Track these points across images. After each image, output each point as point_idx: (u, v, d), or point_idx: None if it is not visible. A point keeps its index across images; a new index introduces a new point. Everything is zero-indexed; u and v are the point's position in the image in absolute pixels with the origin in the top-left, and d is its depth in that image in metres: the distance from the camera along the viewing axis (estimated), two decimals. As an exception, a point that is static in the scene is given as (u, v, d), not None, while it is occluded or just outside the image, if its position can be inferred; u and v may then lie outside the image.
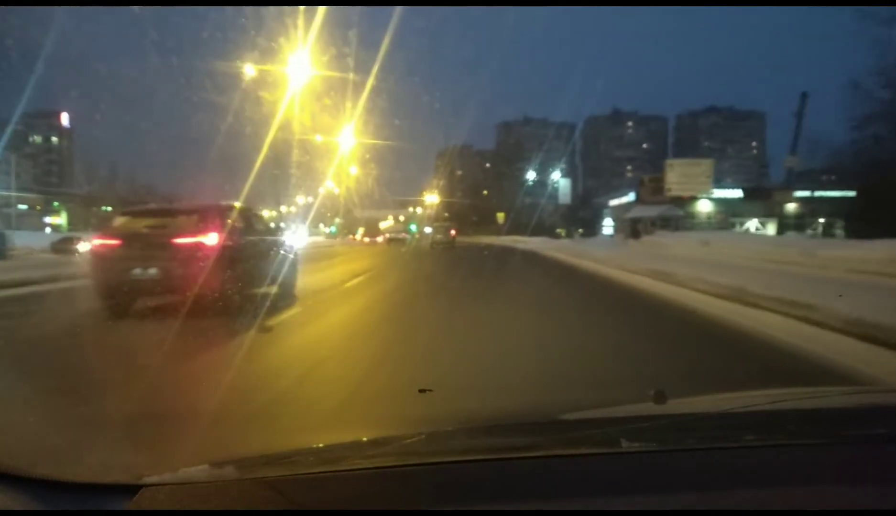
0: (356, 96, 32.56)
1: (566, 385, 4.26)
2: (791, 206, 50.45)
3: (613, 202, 63.51)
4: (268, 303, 8.43)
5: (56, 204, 65.86)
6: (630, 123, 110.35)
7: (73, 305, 9.19)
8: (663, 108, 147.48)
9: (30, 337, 6.58)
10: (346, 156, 51.14)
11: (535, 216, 63.03)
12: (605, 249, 25.17)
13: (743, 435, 1.49)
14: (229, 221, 8.85)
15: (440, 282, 15.00)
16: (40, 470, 1.19)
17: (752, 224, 51.93)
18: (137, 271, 7.74)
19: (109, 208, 65.73)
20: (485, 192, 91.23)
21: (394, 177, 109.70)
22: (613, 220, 62.42)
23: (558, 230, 66.44)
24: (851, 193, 43.83)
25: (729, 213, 52.13)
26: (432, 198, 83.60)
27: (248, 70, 27.02)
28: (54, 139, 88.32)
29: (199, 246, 7.95)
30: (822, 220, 50.77)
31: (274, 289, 9.32)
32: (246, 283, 8.60)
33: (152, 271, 7.74)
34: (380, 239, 68.75)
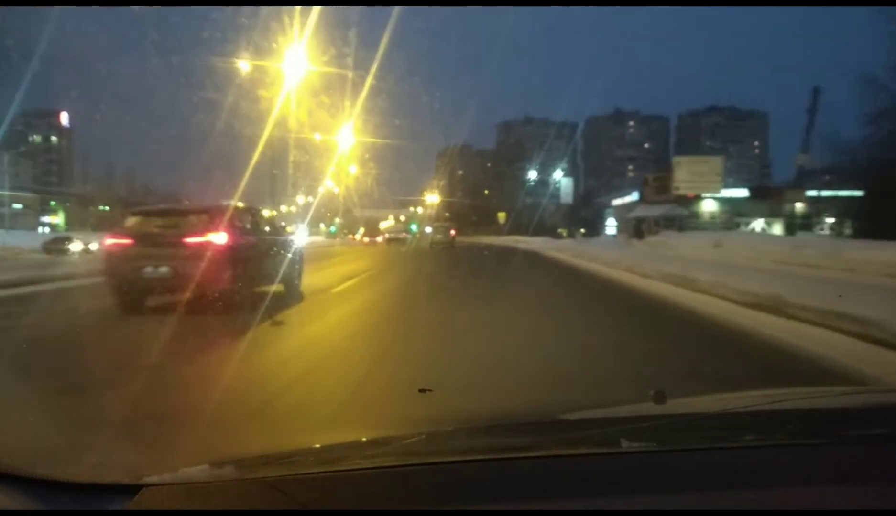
0: (357, 96, 32.48)
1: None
2: (798, 206, 49.72)
3: (616, 201, 62.80)
4: (275, 301, 8.68)
5: (53, 203, 65.25)
6: (631, 123, 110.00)
7: (42, 310, 8.93)
8: (665, 108, 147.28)
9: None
10: (347, 155, 50.84)
11: (536, 216, 62.53)
12: (610, 250, 24.21)
13: (743, 435, 1.48)
14: (237, 221, 9.14)
15: (430, 289, 13.55)
16: (40, 470, 1.18)
17: (758, 224, 51.08)
18: (149, 269, 7.97)
19: (107, 208, 65.47)
20: (485, 192, 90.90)
21: (395, 177, 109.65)
22: (616, 220, 61.67)
23: (560, 230, 65.90)
24: (859, 193, 43.25)
25: (734, 213, 51.30)
26: (433, 198, 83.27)
27: (247, 68, 26.53)
28: (54, 138, 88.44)
29: (209, 245, 8.13)
30: (830, 220, 49.99)
31: (280, 287, 9.64)
32: (253, 281, 8.81)
33: (163, 269, 7.96)
34: (379, 239, 68.38)
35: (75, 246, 33.30)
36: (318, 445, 1.52)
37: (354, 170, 61.60)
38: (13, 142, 71.22)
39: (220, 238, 8.27)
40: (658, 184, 51.49)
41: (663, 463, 1.22)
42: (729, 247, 20.82)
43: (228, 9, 26.48)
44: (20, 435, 2.13)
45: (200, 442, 2.03)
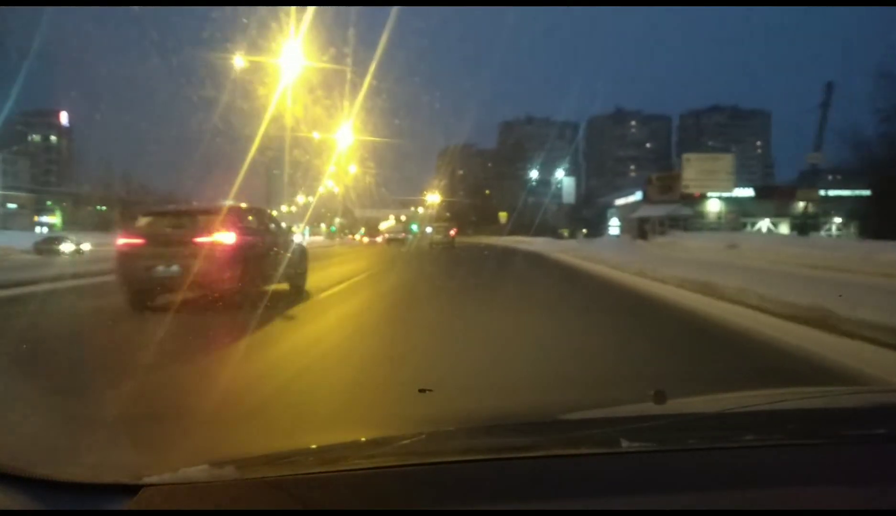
0: (357, 95, 32.11)
1: None
2: (802, 205, 48.86)
3: (619, 201, 61.77)
4: (281, 299, 9.13)
5: (49, 203, 64.71)
6: (633, 122, 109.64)
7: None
8: (666, 107, 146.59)
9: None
10: (347, 155, 50.42)
11: (538, 216, 61.97)
12: (616, 251, 23.10)
13: (743, 435, 1.48)
14: (245, 221, 9.54)
15: (426, 289, 13.25)
16: (40, 470, 1.18)
17: (764, 224, 50.19)
18: (160, 268, 8.20)
19: (104, 208, 65.08)
20: (486, 192, 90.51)
21: (395, 177, 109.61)
22: (620, 220, 60.81)
23: (561, 230, 65.28)
24: (866, 192, 42.54)
25: (739, 213, 50.29)
26: (434, 198, 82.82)
27: (248, 68, 26.11)
28: (53, 138, 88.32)
29: (218, 245, 8.38)
30: (837, 220, 49.28)
31: (286, 286, 10.09)
32: (260, 280, 9.08)
33: (174, 268, 8.19)
34: (379, 239, 68.02)
35: (66, 246, 32.88)
36: (318, 445, 1.51)
37: (354, 169, 61.08)
38: (7, 142, 70.80)
39: (228, 238, 8.53)
40: (662, 184, 50.43)
41: (663, 463, 1.21)
42: (745, 249, 19.73)
43: (228, 8, 26.11)
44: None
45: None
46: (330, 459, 1.31)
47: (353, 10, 27.19)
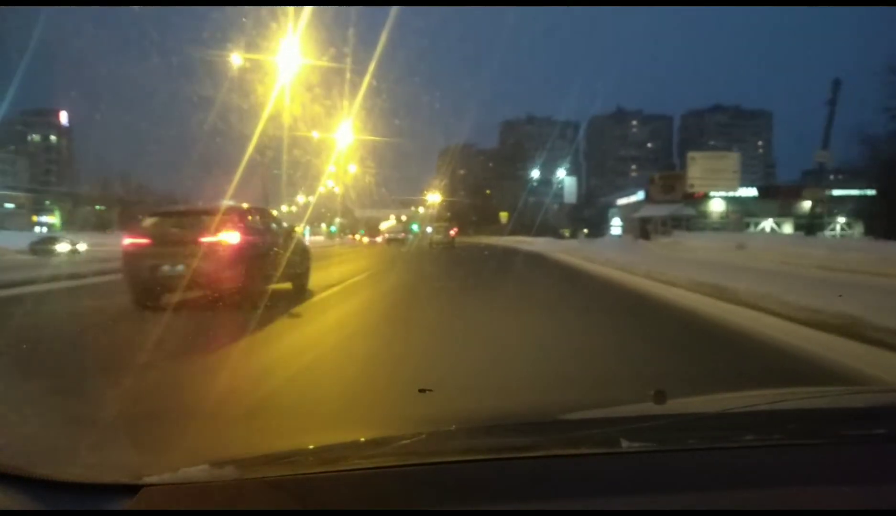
0: (358, 95, 31.81)
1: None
2: (807, 205, 48.23)
3: (621, 201, 61.30)
4: (286, 298, 9.39)
5: (47, 203, 64.36)
6: (634, 122, 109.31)
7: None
8: (668, 107, 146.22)
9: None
10: (348, 154, 50.10)
11: (539, 216, 61.60)
12: (620, 251, 22.38)
13: (743, 435, 1.47)
14: (249, 221, 9.64)
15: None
16: (40, 470, 1.18)
17: (768, 224, 49.68)
18: (166, 268, 8.31)
19: (103, 208, 64.82)
20: (487, 192, 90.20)
21: (397, 177, 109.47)
22: (622, 220, 60.31)
23: (562, 230, 64.87)
24: (870, 191, 42.09)
25: (743, 213, 49.78)
26: (434, 198, 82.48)
27: (247, 67, 25.85)
28: (53, 138, 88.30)
29: (223, 244, 8.52)
30: (842, 219, 48.78)
31: (289, 285, 10.27)
32: (264, 279, 9.19)
33: (179, 268, 8.27)
34: (379, 239, 67.71)
35: (62, 246, 32.55)
36: (318, 445, 1.51)
37: (354, 169, 60.74)
38: (3, 141, 70.50)
39: (232, 237, 8.67)
40: (664, 183, 50.00)
41: (663, 463, 1.20)
42: (754, 249, 19.02)
43: (229, 9, 25.92)
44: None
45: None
46: (330, 459, 1.30)
47: (353, 10, 27.06)
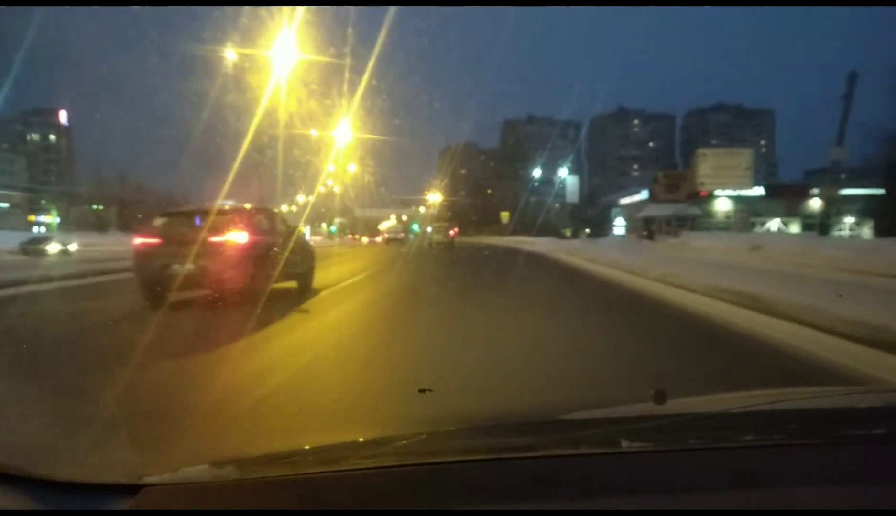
0: (359, 95, 31.55)
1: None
2: (815, 204, 47.36)
3: (624, 200, 60.24)
4: (291, 296, 9.70)
5: (43, 202, 63.77)
6: (636, 121, 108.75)
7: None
8: (670, 106, 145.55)
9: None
10: (349, 154, 49.64)
11: (540, 215, 60.96)
12: (626, 252, 21.29)
13: (743, 435, 1.47)
14: (256, 222, 9.89)
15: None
16: (40, 470, 1.18)
17: (774, 224, 48.70)
18: (175, 267, 8.48)
19: (101, 207, 64.33)
20: (488, 191, 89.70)
21: (397, 177, 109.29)
22: (625, 219, 59.44)
23: (563, 230, 64.24)
24: (879, 191, 41.31)
25: (749, 212, 48.72)
26: (435, 198, 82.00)
27: (246, 66, 25.40)
28: (52, 137, 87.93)
29: (231, 244, 8.77)
30: (850, 219, 47.88)
31: (294, 284, 10.53)
32: (271, 278, 9.36)
33: (189, 267, 8.46)
34: (378, 239, 67.35)
35: (53, 247, 31.94)
36: (318, 445, 1.51)
37: (354, 168, 60.20)
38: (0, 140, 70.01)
39: (240, 237, 8.91)
40: (669, 182, 49.03)
41: (663, 463, 1.20)
42: (770, 251, 17.93)
43: (229, 8, 25.55)
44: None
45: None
46: (330, 459, 1.30)
47: (354, 10, 26.66)
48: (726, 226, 46.72)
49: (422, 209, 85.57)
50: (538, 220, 58.85)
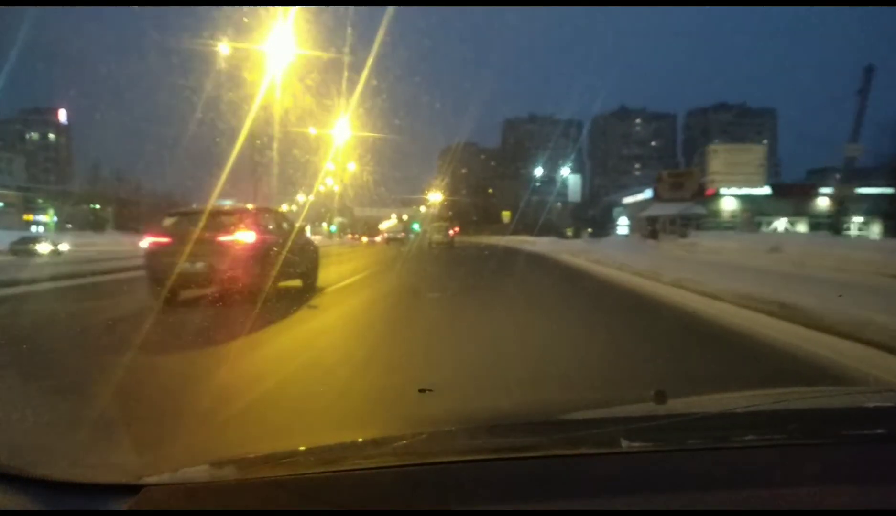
0: (360, 94, 31.41)
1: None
2: (823, 203, 46.57)
3: (628, 199, 59.29)
4: (296, 294, 9.99)
5: (40, 201, 63.08)
6: (638, 121, 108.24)
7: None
8: (671, 105, 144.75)
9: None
10: (349, 154, 49.19)
11: (542, 215, 60.33)
12: (632, 253, 20.07)
13: (743, 435, 1.47)
14: (263, 222, 10.17)
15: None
16: (40, 470, 1.18)
17: (781, 223, 47.78)
18: (186, 265, 8.66)
19: (98, 207, 63.74)
20: (489, 191, 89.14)
21: (398, 176, 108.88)
22: (629, 219, 58.53)
23: (565, 229, 63.59)
24: (888, 190, 40.62)
25: (755, 212, 47.76)
26: (436, 197, 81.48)
27: (237, 60, 24.98)
28: (51, 136, 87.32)
29: (240, 243, 9.05)
30: (859, 219, 47.03)
31: (299, 283, 10.78)
32: (278, 276, 9.54)
33: (199, 265, 8.72)
34: (378, 239, 66.98)
35: (43, 247, 31.28)
36: (318, 445, 1.50)
37: (353, 167, 59.59)
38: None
39: (249, 237, 9.17)
40: (673, 181, 48.18)
41: (663, 463, 1.20)
42: (791, 252, 16.73)
43: (229, 8, 25.11)
44: None
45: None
46: (330, 459, 1.29)
47: (355, 11, 26.26)
48: (732, 225, 45.83)
49: (423, 208, 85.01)
50: (539, 220, 58.21)
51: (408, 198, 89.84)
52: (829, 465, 1.16)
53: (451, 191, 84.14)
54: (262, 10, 23.52)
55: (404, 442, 1.42)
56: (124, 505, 1.04)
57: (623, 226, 60.14)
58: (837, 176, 50.60)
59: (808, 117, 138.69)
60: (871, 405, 1.90)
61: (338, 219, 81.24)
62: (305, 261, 10.99)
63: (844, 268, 13.16)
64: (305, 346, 6.17)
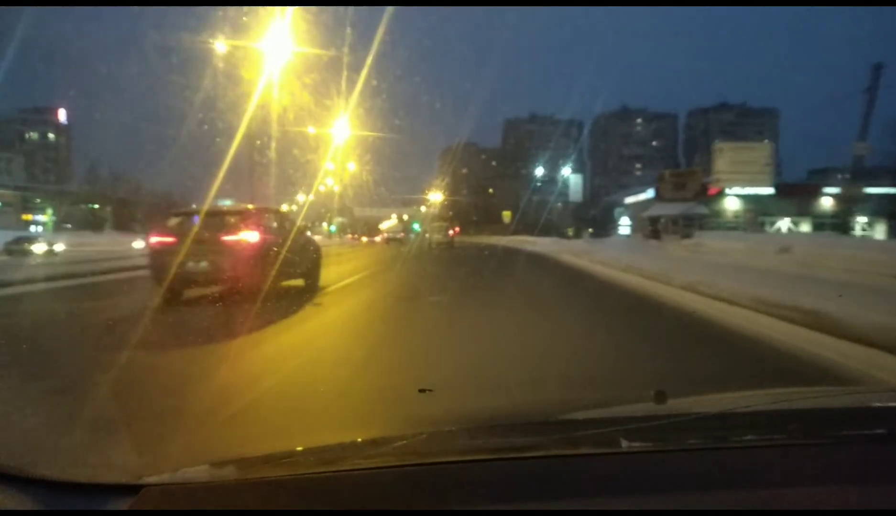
0: (360, 94, 31.52)
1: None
2: (827, 205, 46.04)
3: (629, 199, 58.66)
4: (300, 293, 10.12)
5: (38, 201, 62.82)
6: (639, 120, 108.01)
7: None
8: (672, 105, 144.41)
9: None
10: (349, 154, 49.08)
11: (543, 215, 60.05)
12: (637, 254, 19.27)
13: (743, 435, 1.46)
14: (267, 222, 10.32)
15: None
16: (41, 470, 1.18)
17: (784, 223, 47.27)
18: (190, 264, 8.81)
19: (97, 206, 63.52)
20: (490, 191, 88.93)
21: (399, 176, 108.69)
22: (630, 219, 58.05)
23: (566, 229, 63.30)
24: (894, 190, 40.24)
25: (758, 212, 47.21)
26: (436, 197, 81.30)
27: (237, 60, 24.81)
28: (51, 136, 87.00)
29: (244, 243, 9.14)
30: (863, 219, 46.59)
31: (301, 282, 10.93)
32: (281, 275, 9.65)
33: (203, 264, 8.85)
34: (378, 239, 66.92)
35: (38, 247, 31.01)
36: (318, 445, 1.50)
37: (353, 167, 59.36)
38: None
39: (252, 237, 9.27)
40: (675, 181, 47.62)
41: (663, 463, 1.20)
42: (801, 253, 16.06)
43: (230, 8, 24.92)
44: None
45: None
46: (330, 459, 1.29)
47: (355, 10, 26.13)
48: (735, 225, 45.36)
49: (423, 208, 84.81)
50: (540, 220, 57.92)
51: (408, 198, 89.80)
52: (829, 465, 1.16)
53: (452, 191, 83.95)
54: (262, 10, 23.58)
55: (404, 442, 1.41)
56: (124, 505, 1.04)
57: (625, 226, 59.65)
58: (839, 176, 50.03)
59: (808, 117, 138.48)
60: (871, 405, 1.91)
61: (338, 219, 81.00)
62: (308, 260, 11.09)
63: (858, 269, 12.51)
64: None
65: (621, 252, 20.50)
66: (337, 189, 68.59)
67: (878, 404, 1.93)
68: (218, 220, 9.64)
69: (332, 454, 1.34)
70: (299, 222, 12.34)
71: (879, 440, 1.38)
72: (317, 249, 12.14)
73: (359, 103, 34.39)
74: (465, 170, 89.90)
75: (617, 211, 64.08)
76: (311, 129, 37.75)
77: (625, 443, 1.33)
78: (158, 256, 9.26)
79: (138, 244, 37.87)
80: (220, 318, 7.74)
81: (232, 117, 29.82)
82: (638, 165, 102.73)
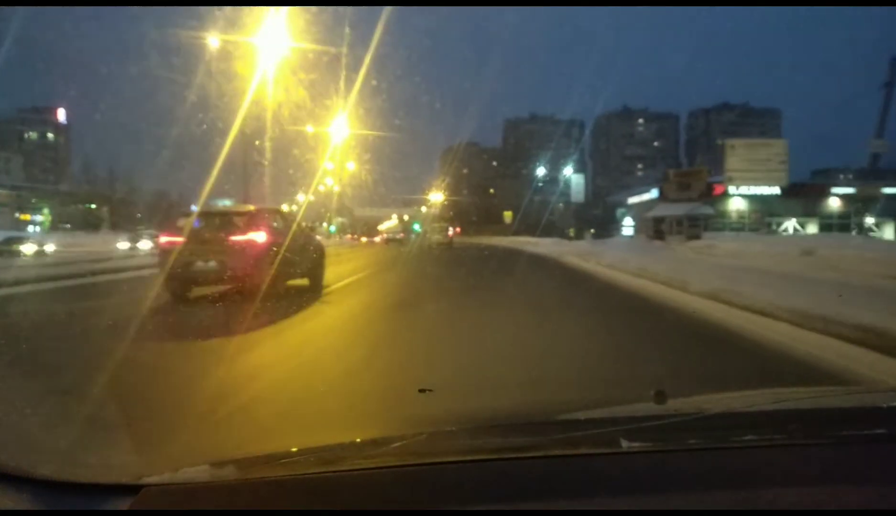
0: (361, 95, 30.82)
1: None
2: (834, 205, 45.21)
3: (633, 200, 57.81)
4: (304, 292, 10.39)
5: (34, 200, 62.22)
6: (640, 120, 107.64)
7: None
8: (674, 105, 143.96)
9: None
10: (349, 153, 48.60)
11: (544, 215, 59.46)
12: (645, 256, 18.22)
13: (743, 435, 1.46)
14: (273, 223, 10.52)
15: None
16: (41, 470, 1.18)
17: (791, 224, 46.48)
18: (199, 264, 9.11)
19: (94, 206, 63.04)
20: (491, 191, 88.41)
21: (399, 176, 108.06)
22: (633, 219, 57.24)
23: (567, 230, 62.60)
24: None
25: (764, 212, 46.34)
26: (437, 197, 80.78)
27: (236, 59, 24.43)
28: (50, 135, 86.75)
29: (251, 243, 9.37)
30: (870, 219, 45.81)
31: (305, 281, 11.15)
32: (287, 275, 9.91)
33: (212, 264, 9.12)
34: (377, 239, 66.57)
35: (28, 247, 30.44)
36: (318, 445, 1.49)
37: (352, 166, 58.76)
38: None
39: (259, 237, 9.49)
40: (680, 181, 46.80)
41: (663, 463, 1.19)
42: (827, 256, 15.02)
43: (229, 9, 24.59)
44: None
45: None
46: (330, 459, 1.28)
47: (355, 10, 25.91)
48: (741, 226, 44.54)
49: (423, 209, 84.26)
50: (542, 220, 57.29)
51: (409, 199, 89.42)
52: (829, 465, 1.15)
53: (452, 191, 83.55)
54: (261, 10, 23.36)
55: (404, 442, 1.41)
56: (124, 505, 1.03)
57: (628, 226, 58.81)
58: (842, 176, 49.13)
59: (810, 117, 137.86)
60: (871, 405, 1.90)
61: (337, 220, 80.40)
62: (312, 260, 11.34)
63: (892, 274, 11.66)
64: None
65: (628, 254, 19.42)
66: (336, 189, 68.08)
67: (878, 404, 1.93)
68: (226, 221, 9.89)
69: (332, 454, 1.33)
70: (303, 223, 12.56)
71: (879, 440, 1.37)
72: (320, 249, 12.36)
73: (359, 103, 34.45)
74: (465, 171, 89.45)
75: (619, 211, 63.34)
76: (310, 129, 37.31)
77: (625, 443, 1.31)
78: (168, 256, 9.43)
79: (123, 245, 37.16)
80: (228, 316, 7.99)
81: (231, 117, 29.35)
82: (639, 165, 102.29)
